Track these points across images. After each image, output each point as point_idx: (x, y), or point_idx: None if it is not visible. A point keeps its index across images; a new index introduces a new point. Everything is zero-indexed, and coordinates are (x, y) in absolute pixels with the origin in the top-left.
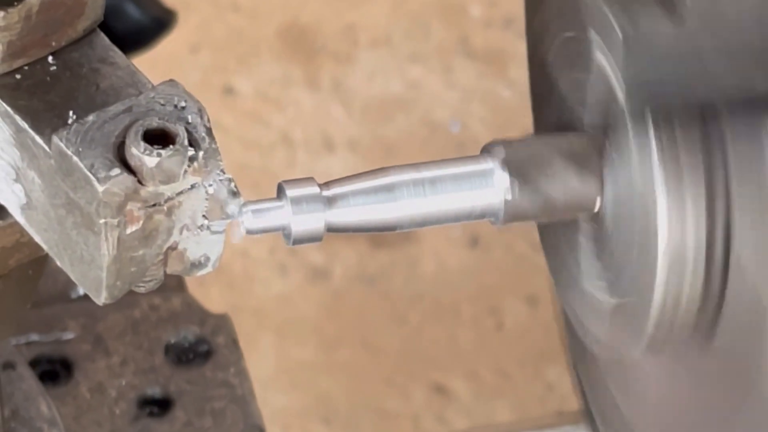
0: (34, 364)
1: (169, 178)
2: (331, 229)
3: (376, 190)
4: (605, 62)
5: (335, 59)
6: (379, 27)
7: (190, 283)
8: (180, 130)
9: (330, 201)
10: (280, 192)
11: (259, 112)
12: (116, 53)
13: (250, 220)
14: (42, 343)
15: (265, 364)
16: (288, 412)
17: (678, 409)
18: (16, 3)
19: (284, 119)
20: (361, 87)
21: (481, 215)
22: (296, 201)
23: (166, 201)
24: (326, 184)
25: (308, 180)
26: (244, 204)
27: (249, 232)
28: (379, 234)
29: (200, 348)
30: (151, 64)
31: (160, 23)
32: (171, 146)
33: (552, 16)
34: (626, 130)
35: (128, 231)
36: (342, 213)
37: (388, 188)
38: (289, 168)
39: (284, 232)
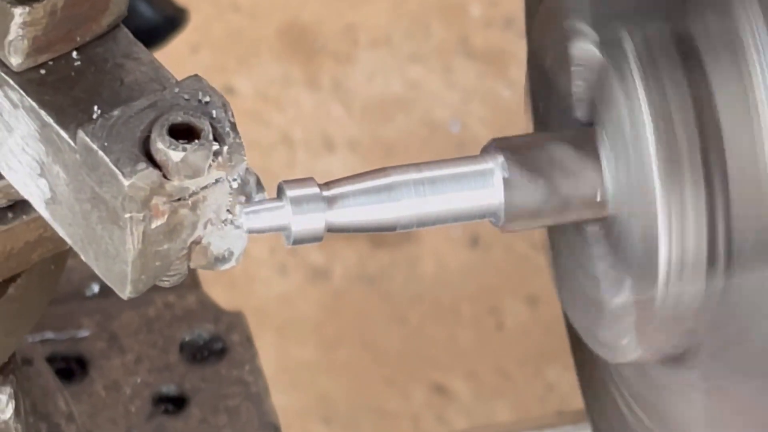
0: (49, 361)
1: (195, 173)
2: (331, 229)
3: (376, 190)
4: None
5: (335, 59)
6: (379, 27)
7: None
8: (205, 125)
9: (330, 201)
10: (280, 192)
11: (259, 112)
12: (140, 48)
13: (250, 220)
14: (57, 341)
15: (265, 364)
16: (288, 412)
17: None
18: None
19: (284, 119)
20: (361, 87)
21: (481, 215)
22: (296, 201)
23: (190, 195)
24: (326, 184)
25: (308, 180)
26: (245, 204)
27: (249, 232)
28: (379, 234)
29: (215, 346)
30: None
31: (171, 21)
32: (196, 141)
33: (552, 15)
34: (611, 80)
35: (153, 225)
36: (342, 213)
37: (388, 188)
38: (289, 168)
39: (284, 232)
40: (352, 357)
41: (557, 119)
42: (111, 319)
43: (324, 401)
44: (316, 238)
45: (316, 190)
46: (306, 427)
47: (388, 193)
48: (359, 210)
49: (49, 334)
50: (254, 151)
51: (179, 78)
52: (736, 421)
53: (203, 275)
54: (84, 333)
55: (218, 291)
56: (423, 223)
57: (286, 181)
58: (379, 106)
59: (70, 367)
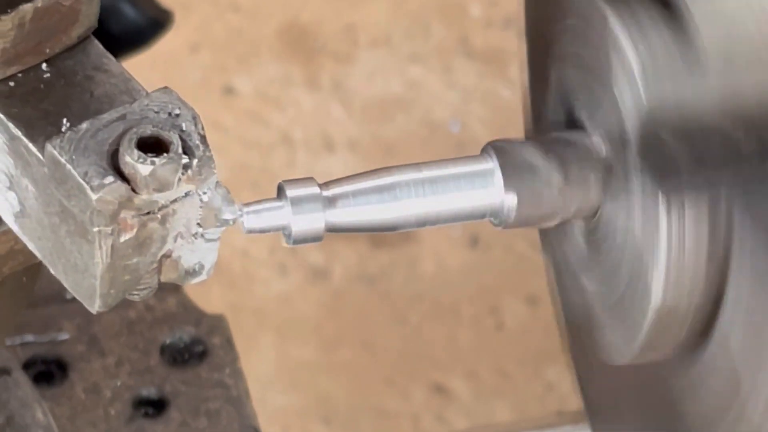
0: (29, 364)
1: (163, 186)
2: (331, 229)
3: (377, 190)
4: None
5: (335, 59)
6: (379, 27)
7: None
8: (174, 138)
9: (330, 201)
10: (280, 192)
11: (259, 112)
12: (110, 60)
13: (250, 220)
14: (37, 344)
15: (265, 364)
16: (288, 412)
17: None
18: (9, 10)
19: (284, 119)
20: (361, 87)
21: (481, 215)
22: (296, 201)
23: (160, 209)
24: (326, 184)
25: (308, 180)
26: (245, 204)
27: (249, 231)
28: (379, 234)
29: (195, 348)
30: (151, 64)
31: (156, 23)
32: (165, 154)
33: (551, 15)
34: (633, 185)
35: (122, 239)
36: (342, 213)
37: (389, 188)
38: (289, 168)
39: (284, 232)
40: (352, 357)
41: (556, 120)
42: (91, 322)
43: (324, 401)
44: (316, 238)
45: (316, 190)
46: (306, 427)
47: (389, 193)
48: (359, 210)
49: (29, 337)
50: (254, 151)
51: (179, 78)
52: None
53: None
54: (64, 336)
55: (218, 291)
56: (423, 223)
57: (286, 181)
58: (379, 106)
59: (50, 370)
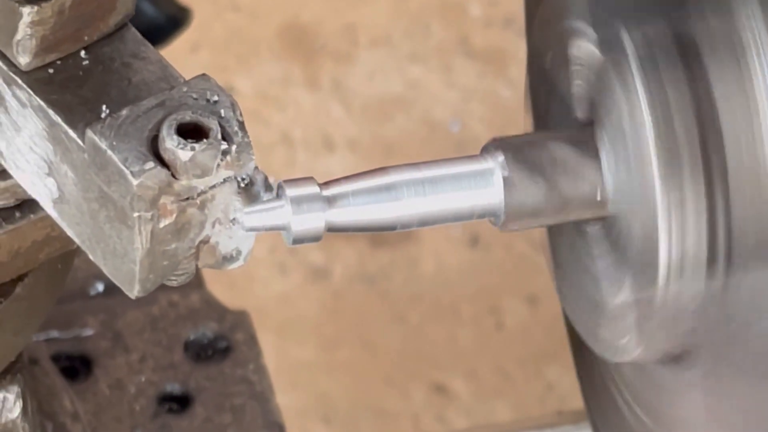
0: (53, 360)
1: (203, 172)
2: (331, 229)
3: (376, 189)
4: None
5: (335, 59)
6: (379, 27)
7: (190, 282)
8: (213, 124)
9: (330, 201)
10: (280, 192)
11: (259, 111)
12: (148, 48)
13: (250, 219)
14: (61, 340)
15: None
16: (288, 412)
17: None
18: None
19: (284, 119)
20: (361, 87)
21: (481, 215)
22: (296, 201)
23: (199, 195)
24: (326, 184)
25: (308, 180)
26: (245, 204)
27: (249, 231)
28: (379, 234)
29: (219, 344)
30: None
31: (174, 21)
32: (204, 140)
33: (552, 14)
34: (611, 79)
35: (161, 224)
36: (342, 213)
37: (389, 188)
38: (289, 168)
39: (284, 231)
40: (352, 357)
41: (557, 119)
42: (115, 318)
43: (324, 401)
44: (315, 238)
45: (316, 189)
46: (306, 427)
47: (388, 193)
48: (359, 210)
49: (54, 333)
50: (254, 151)
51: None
52: (735, 420)
53: (205, 274)
54: (88, 332)
55: (218, 291)
56: (423, 222)
57: (286, 181)
58: (379, 106)
59: (75, 366)
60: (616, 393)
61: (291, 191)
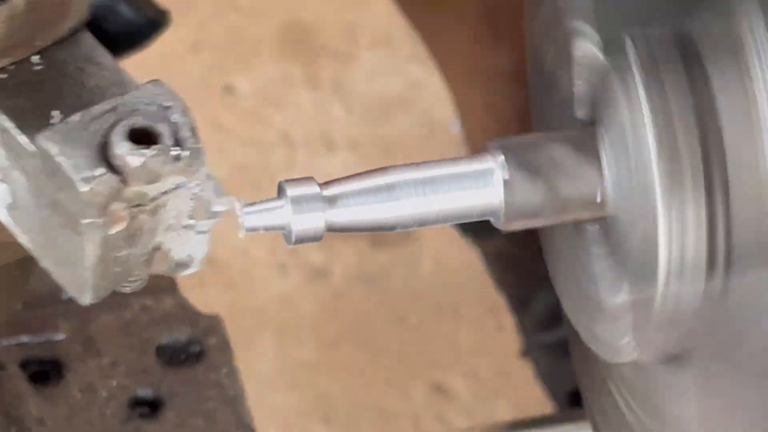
0: (24, 365)
1: (154, 178)
2: (331, 229)
3: (376, 190)
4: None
5: (335, 59)
6: (379, 27)
7: (190, 282)
8: (164, 130)
9: (330, 201)
10: (281, 192)
11: (259, 111)
12: (102, 53)
13: (250, 219)
14: (33, 345)
15: (265, 364)
16: (288, 411)
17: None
18: (0, 3)
19: (284, 119)
20: (361, 87)
21: (481, 215)
22: (296, 201)
23: (150, 201)
24: (326, 184)
25: (308, 180)
26: (245, 204)
27: (249, 231)
28: (379, 234)
29: (192, 349)
30: (151, 63)
31: (153, 23)
32: (155, 146)
33: (553, 15)
34: (612, 81)
35: (112, 231)
36: (342, 213)
37: (388, 188)
38: (289, 168)
39: (284, 231)
40: (352, 357)
41: (557, 119)
42: (87, 323)
43: (324, 401)
44: (316, 238)
45: (316, 189)
46: (306, 427)
47: (388, 193)
48: (359, 210)
49: (25, 338)
50: (254, 151)
51: (179, 78)
52: (733, 421)
53: (202, 275)
54: (60, 336)
55: (218, 291)
56: (423, 222)
57: (286, 181)
58: (379, 106)
59: (46, 371)
60: (616, 393)
61: (291, 191)
